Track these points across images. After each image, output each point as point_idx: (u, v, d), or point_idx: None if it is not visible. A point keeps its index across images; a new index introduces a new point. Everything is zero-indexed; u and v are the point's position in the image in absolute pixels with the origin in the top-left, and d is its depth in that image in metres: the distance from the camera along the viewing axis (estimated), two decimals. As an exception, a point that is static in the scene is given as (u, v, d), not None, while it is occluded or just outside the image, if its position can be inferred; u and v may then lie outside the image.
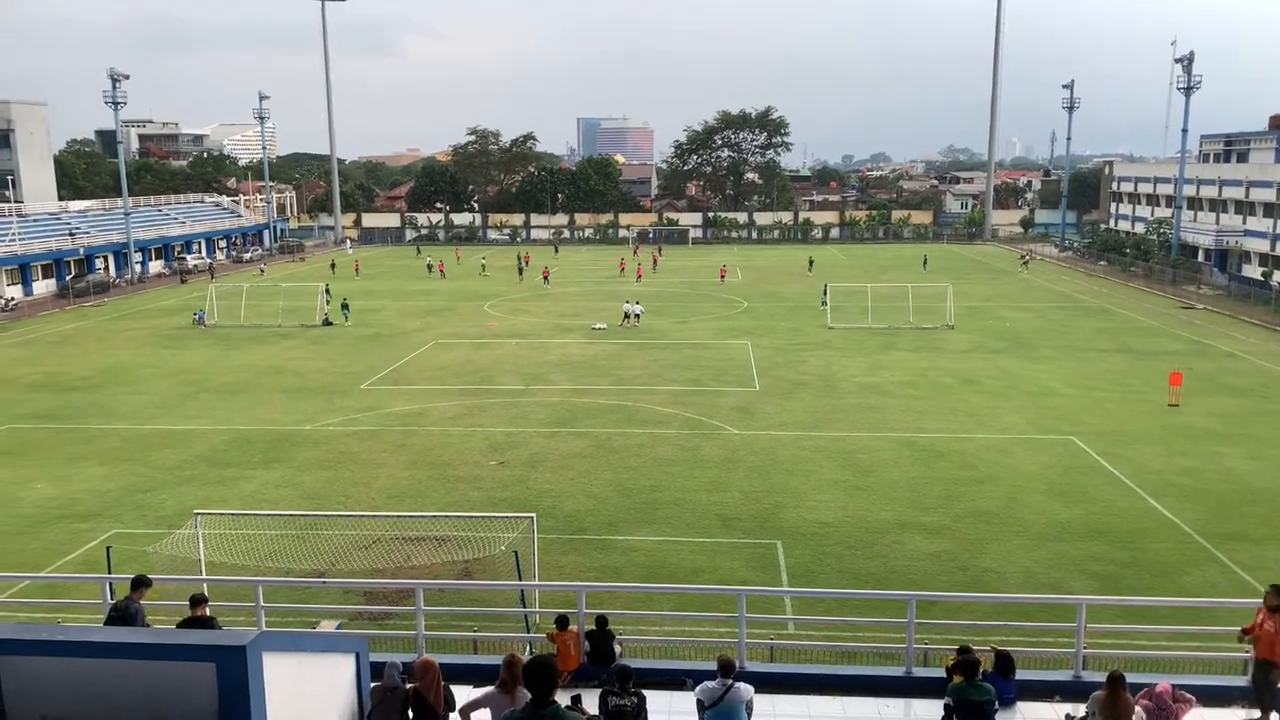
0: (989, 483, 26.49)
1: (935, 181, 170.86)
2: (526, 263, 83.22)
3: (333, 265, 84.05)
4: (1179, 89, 76.98)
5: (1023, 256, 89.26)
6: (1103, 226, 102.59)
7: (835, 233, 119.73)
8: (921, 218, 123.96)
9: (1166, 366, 39.33)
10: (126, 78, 77.09)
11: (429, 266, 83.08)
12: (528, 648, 14.81)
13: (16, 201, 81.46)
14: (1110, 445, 29.75)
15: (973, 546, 22.15)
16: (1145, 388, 37.50)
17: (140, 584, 12.38)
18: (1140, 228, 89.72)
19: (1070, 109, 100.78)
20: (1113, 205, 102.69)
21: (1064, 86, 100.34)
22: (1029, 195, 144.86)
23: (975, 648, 11.13)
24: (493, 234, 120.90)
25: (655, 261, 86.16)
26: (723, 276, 75.29)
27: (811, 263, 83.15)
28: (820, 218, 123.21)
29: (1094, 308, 59.83)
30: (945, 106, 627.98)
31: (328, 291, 60.08)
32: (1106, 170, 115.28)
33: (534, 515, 19.17)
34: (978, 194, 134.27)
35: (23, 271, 69.44)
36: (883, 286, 60.96)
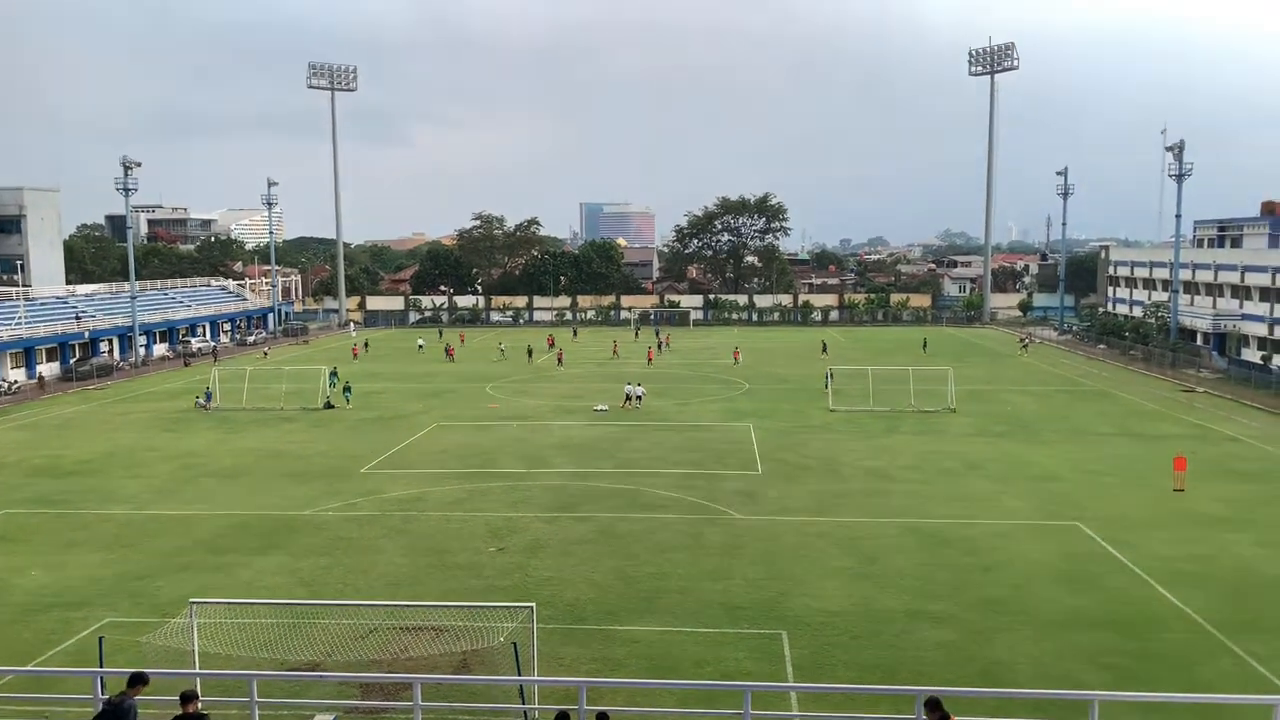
0: (995, 570, 26.15)
1: (933, 265, 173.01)
2: (550, 345, 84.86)
3: (366, 345, 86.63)
4: (1170, 176, 78.56)
5: (1022, 340, 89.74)
6: (1101, 310, 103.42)
7: (835, 315, 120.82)
8: (920, 301, 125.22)
9: (1170, 451, 39.16)
10: (138, 165, 78.83)
11: (444, 349, 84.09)
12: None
13: (25, 285, 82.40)
14: (1117, 531, 29.44)
15: (981, 636, 21.75)
16: (1150, 472, 37.27)
17: (137, 681, 12.21)
18: (1138, 311, 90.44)
19: (1065, 195, 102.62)
20: (1110, 289, 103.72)
21: (1057, 173, 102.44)
22: (1026, 279, 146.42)
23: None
24: (495, 315, 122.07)
25: (660, 344, 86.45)
26: (736, 358, 75.70)
27: (825, 346, 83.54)
28: (820, 300, 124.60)
29: (1095, 391, 59.90)
30: (942, 192, 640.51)
31: (334, 374, 60.28)
32: (1103, 254, 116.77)
33: (534, 605, 18.92)
34: (975, 277, 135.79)
35: (27, 354, 69.81)
36: (883, 369, 61.14)
